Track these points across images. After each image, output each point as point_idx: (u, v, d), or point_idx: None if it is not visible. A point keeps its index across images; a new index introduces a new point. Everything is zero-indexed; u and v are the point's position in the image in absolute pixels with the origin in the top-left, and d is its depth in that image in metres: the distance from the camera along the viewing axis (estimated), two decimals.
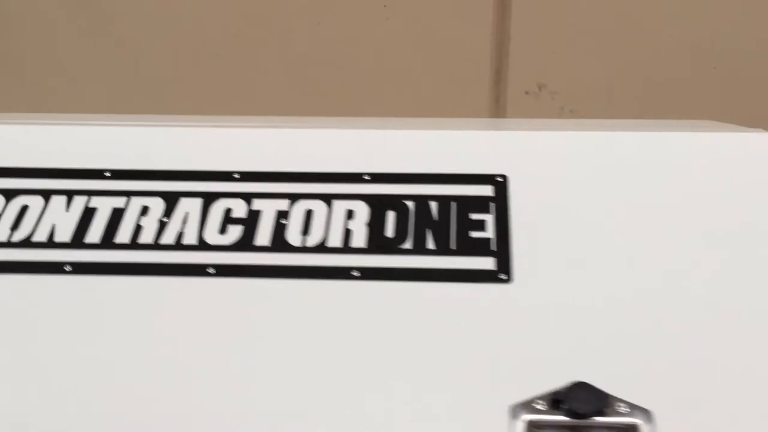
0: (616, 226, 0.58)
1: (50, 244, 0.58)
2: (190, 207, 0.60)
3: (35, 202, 0.61)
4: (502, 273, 0.56)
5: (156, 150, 0.64)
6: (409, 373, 0.50)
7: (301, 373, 0.50)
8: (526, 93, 1.25)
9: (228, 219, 0.60)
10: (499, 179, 0.61)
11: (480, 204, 0.60)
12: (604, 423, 0.48)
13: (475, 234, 0.58)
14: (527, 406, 0.49)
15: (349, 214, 0.60)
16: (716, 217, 0.59)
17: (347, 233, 0.58)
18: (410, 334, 0.52)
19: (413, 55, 1.24)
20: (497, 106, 1.27)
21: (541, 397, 0.49)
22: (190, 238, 0.58)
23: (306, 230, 0.59)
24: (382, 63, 1.25)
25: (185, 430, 0.49)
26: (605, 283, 0.55)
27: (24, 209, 0.61)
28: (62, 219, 0.60)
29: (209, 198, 0.61)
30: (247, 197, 0.61)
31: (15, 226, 0.60)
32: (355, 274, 0.56)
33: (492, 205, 0.60)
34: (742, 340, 0.51)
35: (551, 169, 0.62)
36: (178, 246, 0.58)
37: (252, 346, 0.52)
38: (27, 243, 0.58)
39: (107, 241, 0.58)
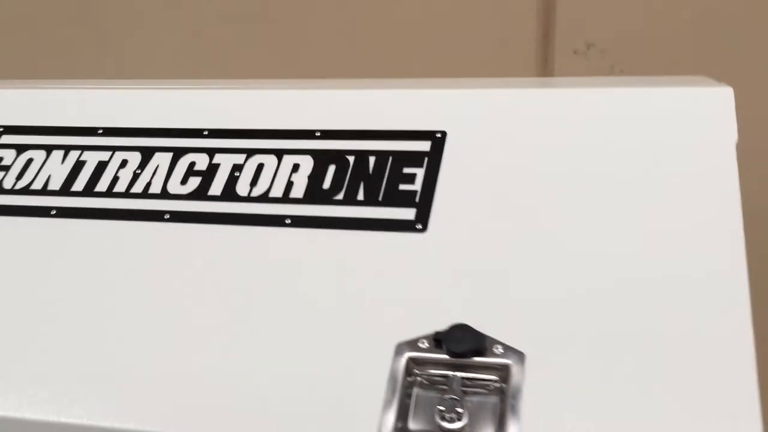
0: (544, 183, 0.60)
1: (43, 191, 0.68)
2: (162, 160, 0.68)
3: (38, 156, 0.71)
4: (418, 223, 0.59)
5: (144, 110, 0.72)
6: (313, 310, 0.55)
7: (218, 304, 0.57)
8: (575, 53, 1.23)
9: (191, 171, 0.66)
10: (438, 135, 0.64)
11: (415, 159, 0.63)
12: (477, 362, 0.51)
13: (403, 186, 0.62)
14: (412, 344, 0.53)
15: (295, 168, 0.65)
16: (649, 171, 0.59)
17: (289, 185, 0.64)
18: (323, 275, 0.57)
19: (459, 14, 1.25)
20: (545, 66, 1.26)
21: (426, 337, 0.53)
22: (155, 188, 0.66)
23: (254, 182, 0.65)
24: (429, 24, 1.27)
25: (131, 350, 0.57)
26: (512, 236, 0.57)
27: (29, 162, 0.70)
28: (57, 170, 0.69)
29: (179, 152, 0.68)
30: (211, 152, 0.67)
31: (20, 175, 0.69)
32: (288, 221, 0.61)
33: (426, 160, 0.63)
34: (619, 291, 0.52)
35: (493, 126, 0.64)
36: (144, 194, 0.65)
37: (186, 280, 0.59)
38: (26, 190, 0.68)
39: (88, 190, 0.67)
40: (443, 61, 1.28)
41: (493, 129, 0.64)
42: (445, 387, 0.50)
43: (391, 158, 0.64)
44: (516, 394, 0.49)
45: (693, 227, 0.55)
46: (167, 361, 0.55)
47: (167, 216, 0.63)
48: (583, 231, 0.56)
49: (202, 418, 0.51)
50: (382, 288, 0.56)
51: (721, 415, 0.46)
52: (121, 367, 0.55)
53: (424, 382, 0.51)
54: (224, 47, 1.36)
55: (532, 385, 0.49)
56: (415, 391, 0.51)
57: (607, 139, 0.62)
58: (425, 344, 0.52)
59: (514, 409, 0.48)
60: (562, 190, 0.59)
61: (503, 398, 0.49)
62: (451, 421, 0.49)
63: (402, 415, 0.49)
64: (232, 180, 0.65)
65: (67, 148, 0.70)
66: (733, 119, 0.60)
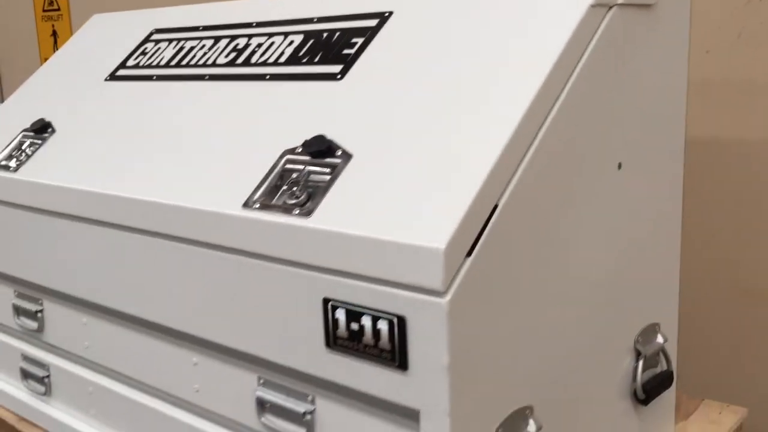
0: (452, 53, 0.74)
1: (155, 66, 0.99)
2: (222, 43, 0.95)
3: (162, 45, 1.02)
4: (339, 75, 0.77)
5: (221, 14, 1.00)
6: (247, 128, 0.77)
7: (209, 120, 0.82)
8: None
9: (233, 49, 0.92)
10: (387, 14, 0.81)
11: (363, 31, 0.81)
12: (315, 161, 0.69)
13: (345, 51, 0.80)
14: (292, 150, 0.72)
15: (290, 43, 0.87)
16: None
17: (280, 54, 0.86)
18: (263, 109, 0.79)
19: None
20: None
21: (302, 145, 0.72)
22: (209, 61, 0.93)
23: (263, 54, 0.88)
24: None
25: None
26: (407, 91, 0.72)
27: (158, 49, 1.02)
28: (168, 52, 1.00)
29: (233, 37, 0.94)
30: (249, 36, 0.92)
31: (150, 57, 1.02)
32: (267, 77, 0.84)
33: (369, 32, 0.80)
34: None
35: (433, 8, 0.79)
36: (202, 65, 0.93)
37: (207, 115, 0.85)
38: (146, 65, 1.00)
39: (177, 63, 0.96)
40: None
41: (432, 10, 0.79)
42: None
43: (349, 32, 0.82)
44: (331, 183, 0.66)
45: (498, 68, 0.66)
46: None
47: (207, 77, 0.90)
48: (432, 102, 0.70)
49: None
50: (294, 116, 0.76)
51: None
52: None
53: (295, 175, 0.71)
54: None
55: (349, 179, 0.66)
56: (288, 180, 0.71)
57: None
58: (300, 149, 0.72)
59: (324, 192, 0.66)
60: (454, 62, 0.73)
61: (327, 186, 0.67)
62: (295, 199, 0.68)
63: (267, 193, 0.70)
64: (252, 53, 0.89)
65: (179, 40, 1.01)
66: None
